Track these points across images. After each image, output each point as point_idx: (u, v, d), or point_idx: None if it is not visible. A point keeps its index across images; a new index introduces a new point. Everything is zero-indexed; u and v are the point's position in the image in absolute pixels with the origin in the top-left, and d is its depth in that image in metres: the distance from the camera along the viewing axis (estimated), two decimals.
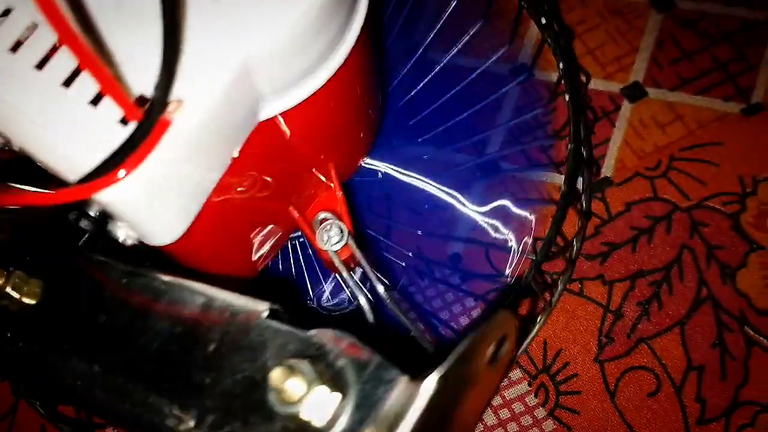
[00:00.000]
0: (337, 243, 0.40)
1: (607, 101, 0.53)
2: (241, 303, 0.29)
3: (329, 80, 0.33)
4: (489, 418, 0.45)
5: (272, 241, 0.43)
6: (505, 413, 0.46)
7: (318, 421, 0.24)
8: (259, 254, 0.42)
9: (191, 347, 0.28)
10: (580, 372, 0.46)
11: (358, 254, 0.40)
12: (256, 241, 0.41)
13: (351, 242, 0.40)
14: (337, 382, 0.25)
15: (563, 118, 0.52)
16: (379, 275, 0.40)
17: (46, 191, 0.27)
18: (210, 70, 0.28)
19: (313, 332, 0.27)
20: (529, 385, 0.46)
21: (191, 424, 0.27)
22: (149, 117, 0.26)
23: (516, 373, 0.47)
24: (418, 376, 0.24)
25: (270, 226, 0.41)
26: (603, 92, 0.53)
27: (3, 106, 0.28)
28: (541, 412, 0.46)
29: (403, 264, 0.49)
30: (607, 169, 0.51)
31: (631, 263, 0.49)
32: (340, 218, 0.41)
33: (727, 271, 0.48)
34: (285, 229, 0.44)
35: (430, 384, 0.24)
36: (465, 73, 0.54)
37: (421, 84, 0.52)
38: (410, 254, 0.49)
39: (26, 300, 0.32)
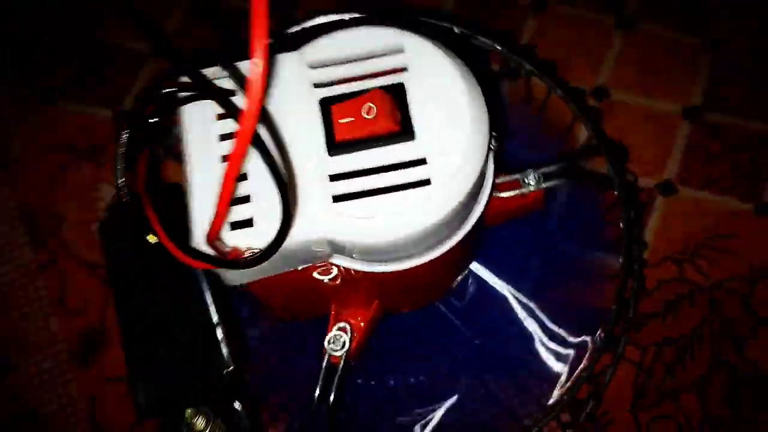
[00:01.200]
0: (334, 350, 0.47)
1: (643, 195, 0.65)
2: None
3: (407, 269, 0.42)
4: None
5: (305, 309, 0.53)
6: None
7: None
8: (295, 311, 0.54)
9: None
10: (617, 419, 0.58)
11: (338, 374, 0.47)
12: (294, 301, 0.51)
13: (343, 359, 0.47)
14: None
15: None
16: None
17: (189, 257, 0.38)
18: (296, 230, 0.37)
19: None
20: (573, 429, 0.58)
21: None
22: (249, 260, 0.36)
23: (564, 417, 0.58)
24: None
25: (308, 300, 0.50)
26: (640, 187, 0.65)
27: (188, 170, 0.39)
28: None
29: None
30: (643, 252, 0.63)
31: (661, 331, 0.60)
32: (352, 336, 0.48)
33: (738, 341, 0.59)
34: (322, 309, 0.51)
35: None
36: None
37: None
38: None
39: None
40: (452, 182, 0.37)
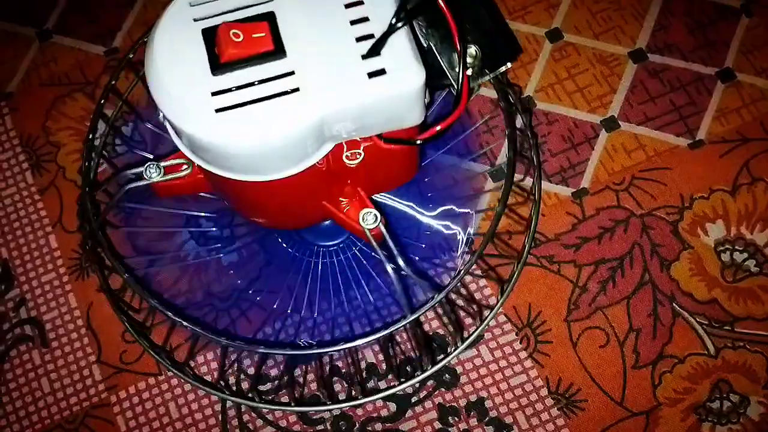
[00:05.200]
0: (370, 225, 0.53)
1: (589, 129, 0.71)
2: None
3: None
4: (486, 355, 0.64)
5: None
6: (498, 353, 0.65)
7: None
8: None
9: None
10: (553, 328, 0.65)
11: (385, 232, 0.54)
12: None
13: (381, 226, 0.54)
14: None
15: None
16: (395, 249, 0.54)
17: None
18: None
19: None
20: (516, 335, 0.65)
21: None
22: None
23: (508, 327, 0.65)
24: None
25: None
26: (587, 122, 0.71)
27: None
28: (523, 354, 0.65)
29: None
30: (585, 182, 0.69)
31: (596, 253, 0.67)
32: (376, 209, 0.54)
33: (664, 263, 0.66)
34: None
35: None
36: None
37: None
38: None
39: None
40: (320, 91, 0.42)
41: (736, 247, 0.66)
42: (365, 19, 0.43)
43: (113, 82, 0.62)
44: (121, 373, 0.67)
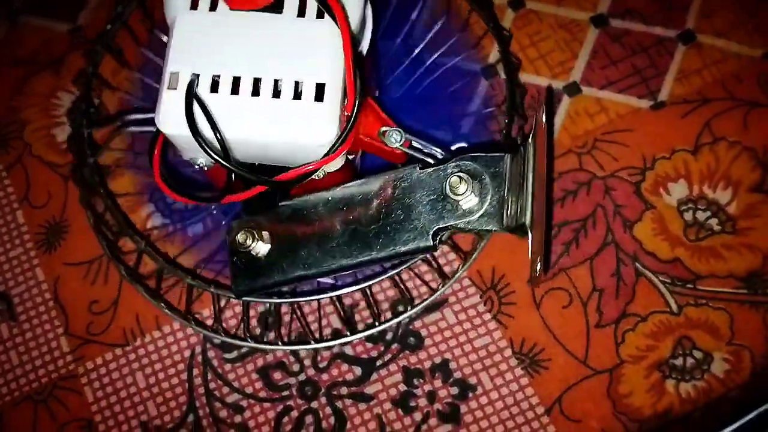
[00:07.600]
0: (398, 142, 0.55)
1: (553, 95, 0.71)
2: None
3: None
4: (451, 318, 0.65)
5: None
6: (462, 316, 0.65)
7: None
8: None
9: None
10: (517, 290, 0.65)
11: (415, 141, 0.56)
12: None
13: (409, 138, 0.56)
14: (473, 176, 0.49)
15: None
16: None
17: None
18: None
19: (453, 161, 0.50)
20: (481, 297, 0.66)
21: None
22: None
23: (472, 290, 0.66)
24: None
25: None
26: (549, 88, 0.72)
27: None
28: (487, 316, 0.65)
29: None
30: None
31: (560, 215, 0.67)
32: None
33: (627, 224, 0.66)
34: None
35: (528, 145, 0.48)
36: (446, 70, 0.72)
37: (411, 79, 0.70)
38: None
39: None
40: None
41: (699, 206, 0.66)
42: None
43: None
44: (88, 344, 0.67)
